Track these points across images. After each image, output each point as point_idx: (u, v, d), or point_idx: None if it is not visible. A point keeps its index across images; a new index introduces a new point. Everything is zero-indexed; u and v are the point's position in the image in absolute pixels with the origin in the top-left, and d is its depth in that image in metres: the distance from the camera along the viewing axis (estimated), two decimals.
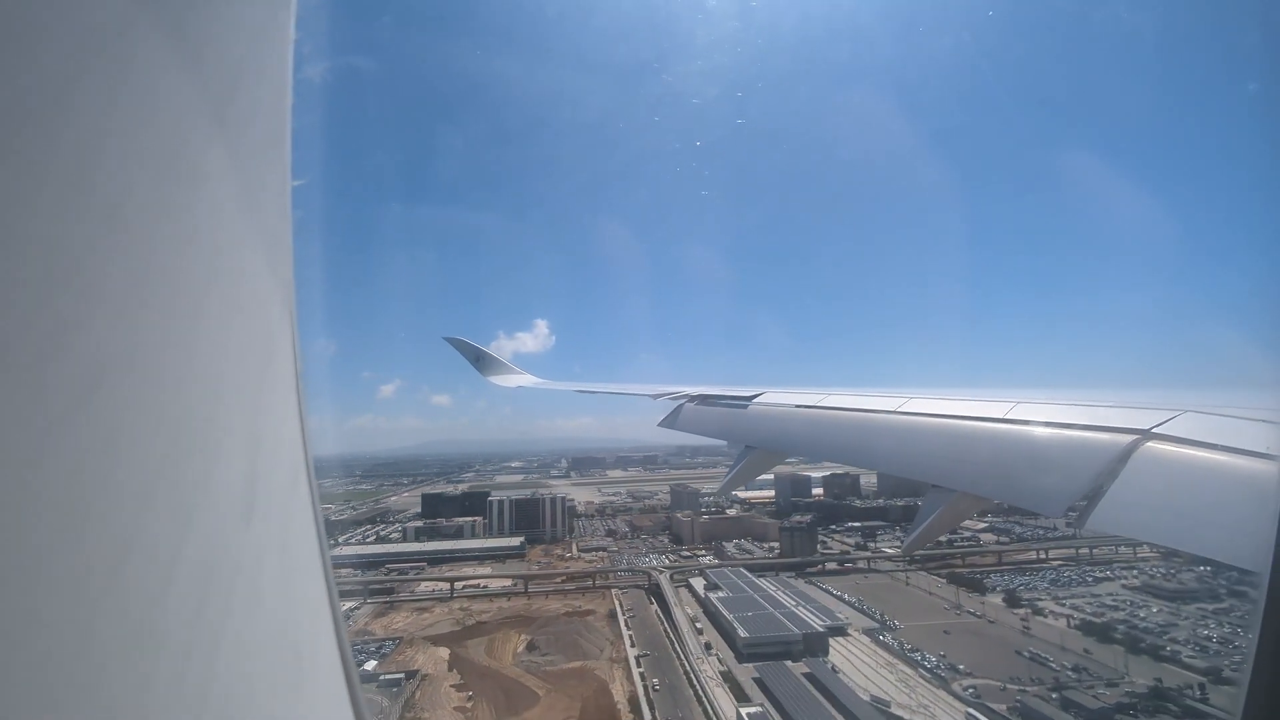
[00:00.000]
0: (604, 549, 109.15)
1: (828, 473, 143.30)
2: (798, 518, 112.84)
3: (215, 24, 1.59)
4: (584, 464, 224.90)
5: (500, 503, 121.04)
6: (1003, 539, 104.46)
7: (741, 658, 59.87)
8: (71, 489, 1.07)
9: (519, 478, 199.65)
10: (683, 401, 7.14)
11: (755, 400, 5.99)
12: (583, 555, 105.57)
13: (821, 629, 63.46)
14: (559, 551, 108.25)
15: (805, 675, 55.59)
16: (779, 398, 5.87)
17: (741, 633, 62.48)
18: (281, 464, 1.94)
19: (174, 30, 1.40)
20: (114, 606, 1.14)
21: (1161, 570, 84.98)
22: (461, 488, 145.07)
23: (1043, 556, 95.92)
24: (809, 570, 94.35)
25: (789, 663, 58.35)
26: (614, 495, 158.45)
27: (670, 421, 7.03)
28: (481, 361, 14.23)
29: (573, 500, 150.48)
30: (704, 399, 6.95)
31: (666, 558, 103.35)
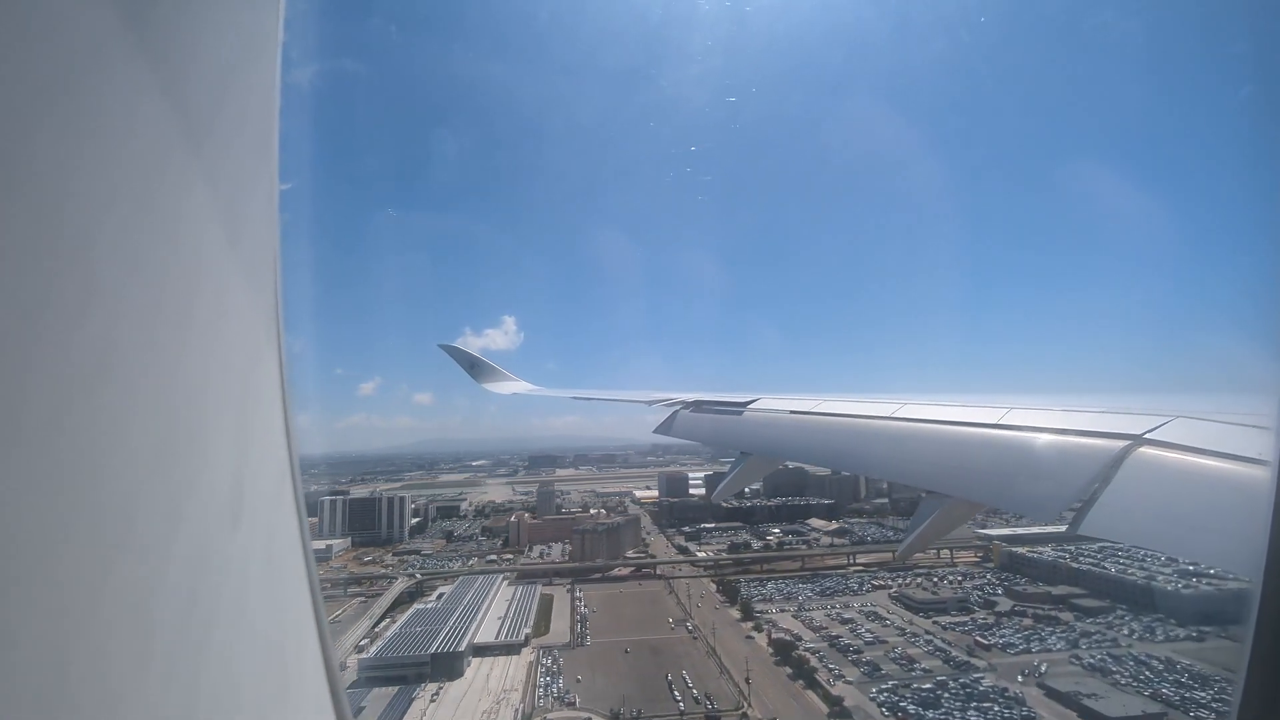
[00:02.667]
0: (419, 551, 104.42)
1: (709, 471, 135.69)
2: (614, 519, 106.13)
3: (203, 28, 1.59)
4: (540, 462, 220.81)
5: (333, 503, 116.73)
6: (840, 542, 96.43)
7: (357, 681, 54.08)
8: (61, 491, 1.06)
9: (461, 476, 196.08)
10: (677, 408, 7.06)
11: (750, 406, 5.98)
12: (385, 559, 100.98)
13: (463, 649, 57.14)
14: (371, 555, 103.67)
15: (389, 704, 49.60)
16: (774, 404, 5.82)
17: (369, 653, 56.76)
18: (268, 466, 1.96)
19: (162, 35, 1.40)
20: (103, 608, 1.13)
21: (954, 576, 76.46)
22: (311, 487, 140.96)
23: (850, 561, 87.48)
24: (592, 576, 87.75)
25: (402, 686, 52.45)
26: (525, 494, 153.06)
27: (665, 428, 6.91)
28: (476, 369, 14.16)
29: (464, 499, 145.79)
30: (699, 405, 6.94)
31: (472, 561, 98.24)
